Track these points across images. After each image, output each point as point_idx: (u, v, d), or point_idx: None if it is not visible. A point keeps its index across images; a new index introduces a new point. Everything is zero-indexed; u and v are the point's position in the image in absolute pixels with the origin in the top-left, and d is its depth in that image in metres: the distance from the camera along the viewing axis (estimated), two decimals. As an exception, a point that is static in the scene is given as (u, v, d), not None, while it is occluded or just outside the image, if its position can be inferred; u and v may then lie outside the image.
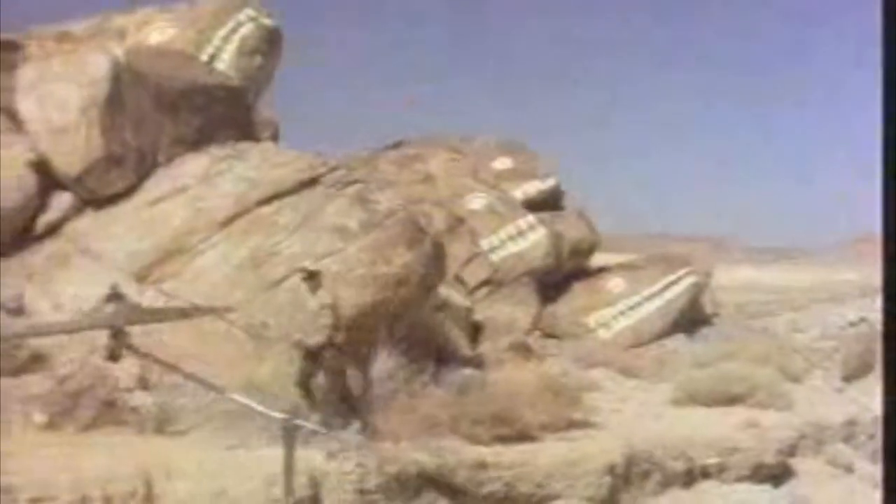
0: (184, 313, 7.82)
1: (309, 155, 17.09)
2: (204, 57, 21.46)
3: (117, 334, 5.29)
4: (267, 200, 15.76)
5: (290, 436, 5.38)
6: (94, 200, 16.59)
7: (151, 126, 17.29)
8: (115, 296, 6.45)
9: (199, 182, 16.14)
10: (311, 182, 16.11)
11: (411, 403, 13.43)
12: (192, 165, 16.56)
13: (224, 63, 21.73)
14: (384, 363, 14.08)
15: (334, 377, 13.56)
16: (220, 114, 18.13)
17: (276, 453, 12.73)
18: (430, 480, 12.35)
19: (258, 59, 22.57)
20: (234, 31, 22.42)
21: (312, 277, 13.52)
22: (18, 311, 15.40)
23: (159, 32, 22.28)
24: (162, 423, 13.28)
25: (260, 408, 5.01)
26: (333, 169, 16.55)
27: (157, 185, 16.45)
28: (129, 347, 14.96)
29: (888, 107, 4.30)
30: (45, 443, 12.41)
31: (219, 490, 11.30)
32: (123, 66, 17.29)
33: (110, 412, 13.36)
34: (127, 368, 14.36)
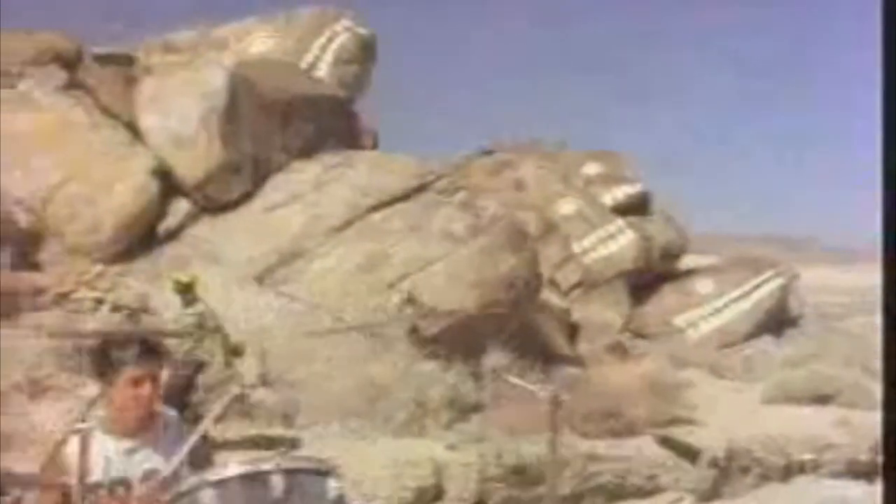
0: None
1: (417, 163, 17.83)
2: (303, 66, 22.31)
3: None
4: (378, 207, 16.51)
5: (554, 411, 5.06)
6: (212, 207, 17.45)
7: (263, 135, 18.10)
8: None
9: (313, 189, 16.92)
10: (420, 189, 16.84)
11: (525, 398, 14.05)
12: (305, 173, 17.35)
13: (322, 72, 22.56)
14: (497, 361, 14.75)
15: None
16: (327, 123, 18.90)
17: (398, 443, 13.46)
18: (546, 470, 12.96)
19: (354, 68, 23.35)
20: (330, 40, 23.22)
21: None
22: (143, 309, 16.27)
23: (260, 43, 23.18)
24: (287, 418, 14.05)
25: (532, 386, 5.13)
26: (441, 177, 17.28)
27: (272, 192, 17.27)
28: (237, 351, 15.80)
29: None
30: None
31: (350, 481, 12.02)
32: (237, 78, 18.12)
33: (240, 406, 14.17)
34: (248, 366, 15.23)
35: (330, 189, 16.83)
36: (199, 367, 13.79)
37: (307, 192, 16.88)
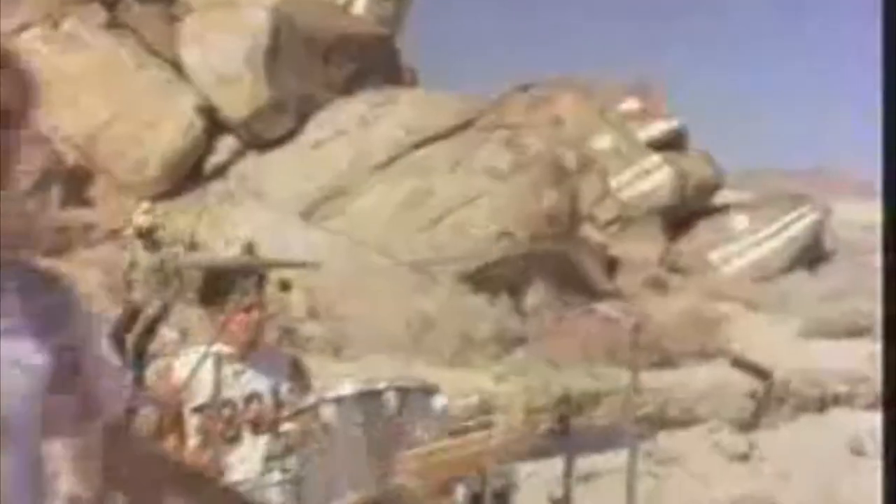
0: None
1: (459, 101, 18.03)
2: (340, 2, 22.44)
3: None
4: (421, 144, 16.74)
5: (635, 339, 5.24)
6: (258, 143, 17.72)
7: (306, 73, 18.31)
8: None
9: (357, 126, 17.15)
10: (463, 126, 17.05)
11: (568, 332, 14.39)
12: (349, 111, 17.58)
13: (359, 9, 22.68)
14: (541, 295, 15.06)
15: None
16: (368, 60, 19.08)
17: (445, 375, 13.79)
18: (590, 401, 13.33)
19: (390, 4, 23.45)
20: (364, -25, 23.32)
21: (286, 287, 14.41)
22: (192, 246, 16.62)
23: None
24: (337, 349, 14.41)
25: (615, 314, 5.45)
26: (483, 114, 17.49)
27: (316, 129, 17.51)
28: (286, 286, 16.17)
29: None
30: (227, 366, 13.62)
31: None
32: (279, 16, 18.30)
33: (290, 338, 14.54)
34: (297, 300, 15.57)
35: (374, 126, 17.05)
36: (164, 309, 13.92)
37: (351, 129, 17.11)
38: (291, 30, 18.33)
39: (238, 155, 17.77)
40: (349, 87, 18.66)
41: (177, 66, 18.47)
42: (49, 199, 16.69)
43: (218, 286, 5.04)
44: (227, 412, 4.96)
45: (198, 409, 4.92)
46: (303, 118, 17.86)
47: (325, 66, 18.69)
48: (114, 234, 16.50)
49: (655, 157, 25.73)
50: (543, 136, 21.23)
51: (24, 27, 19.11)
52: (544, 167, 16.75)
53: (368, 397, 4.14)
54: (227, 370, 4.90)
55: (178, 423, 4.97)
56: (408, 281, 15.48)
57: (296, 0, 20.47)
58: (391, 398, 4.11)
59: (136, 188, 17.32)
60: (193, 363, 4.80)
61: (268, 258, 7.40)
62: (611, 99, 27.35)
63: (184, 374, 4.86)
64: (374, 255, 15.64)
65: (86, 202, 17.25)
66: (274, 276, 15.32)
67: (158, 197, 17.39)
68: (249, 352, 5.06)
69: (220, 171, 17.68)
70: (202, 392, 4.87)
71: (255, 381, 5.05)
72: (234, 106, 17.63)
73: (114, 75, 18.33)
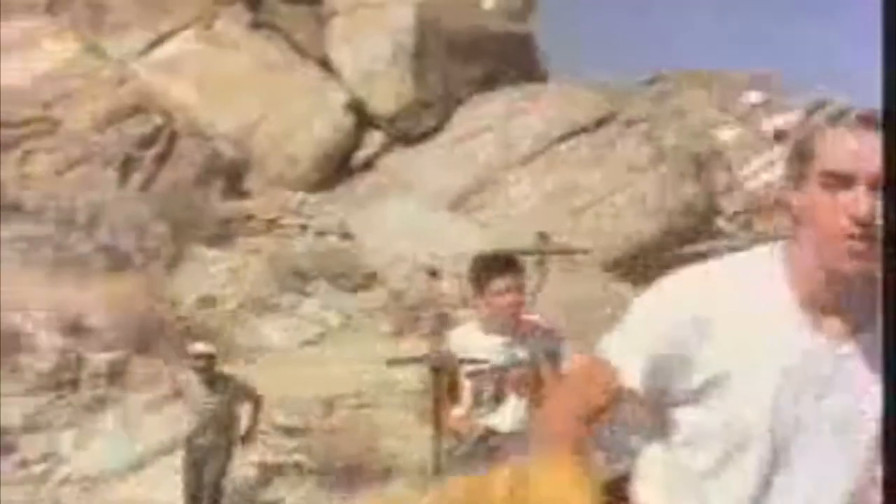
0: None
1: (599, 95, 18.71)
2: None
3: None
4: (565, 138, 17.44)
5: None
6: (404, 138, 18.57)
7: (448, 70, 19.10)
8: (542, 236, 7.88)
9: (501, 121, 17.91)
10: (604, 121, 17.72)
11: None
12: (493, 106, 18.34)
13: (489, 4, 23.41)
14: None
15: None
16: (509, 58, 19.81)
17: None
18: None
19: (519, 2, 24.15)
20: (496, -28, 24.03)
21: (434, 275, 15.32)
22: (344, 236, 17.50)
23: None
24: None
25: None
26: (622, 109, 18.15)
27: (460, 124, 18.30)
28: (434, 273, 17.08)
29: None
30: (393, 349, 14.49)
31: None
32: (423, 16, 19.12)
33: (445, 323, 15.32)
34: (448, 286, 16.39)
35: (518, 121, 17.79)
36: None
37: (496, 123, 17.86)
38: (434, 29, 19.12)
39: (385, 149, 18.63)
40: (489, 84, 19.39)
41: (325, 65, 19.37)
42: (211, 192, 17.68)
43: (481, 273, 5.92)
44: (495, 377, 5.80)
45: (471, 375, 5.75)
46: (447, 114, 18.65)
47: (466, 63, 19.44)
48: (271, 224, 17.49)
49: (779, 148, 26.08)
50: (673, 130, 21.82)
51: (178, 29, 20.17)
52: (681, 160, 17.35)
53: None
54: (493, 342, 5.75)
55: (454, 386, 5.83)
56: (554, 269, 16.16)
57: (437, 0, 21.32)
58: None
59: (289, 181, 18.28)
60: (468, 335, 5.72)
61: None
62: (734, 92, 27.80)
63: (460, 344, 5.77)
64: (520, 244, 16.35)
65: (243, 195, 18.20)
66: (425, 263, 16.17)
67: (311, 189, 18.37)
68: (512, 328, 5.88)
69: (369, 164, 18.55)
70: (475, 361, 5.74)
71: (520, 352, 5.86)
72: (382, 102, 18.50)
73: (265, 74, 19.28)
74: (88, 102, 18.01)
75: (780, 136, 26.88)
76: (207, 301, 14.93)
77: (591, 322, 15.07)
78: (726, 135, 25.99)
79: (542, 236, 7.64)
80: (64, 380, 13.18)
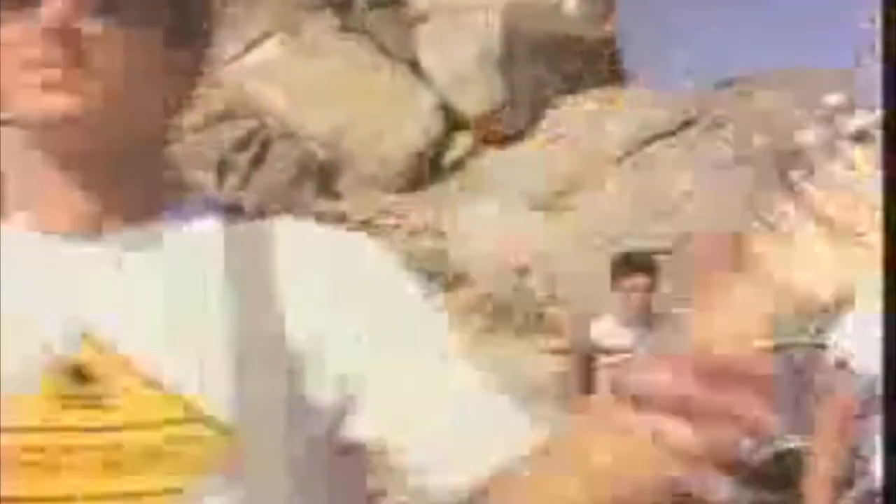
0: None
1: (682, 98, 19.01)
2: (551, 2, 23.54)
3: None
4: (650, 140, 17.76)
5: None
6: (493, 140, 18.98)
7: (533, 74, 19.48)
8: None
9: (588, 124, 18.26)
10: (688, 123, 18.02)
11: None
12: (578, 109, 18.70)
13: (569, 7, 23.74)
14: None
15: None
16: (592, 61, 20.15)
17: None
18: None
19: (600, 6, 24.46)
20: (576, -23, 24.36)
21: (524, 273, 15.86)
22: (436, 235, 17.96)
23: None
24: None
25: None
26: (706, 111, 18.43)
27: (548, 126, 18.69)
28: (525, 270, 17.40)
29: None
30: (487, 342, 14.95)
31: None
32: (508, 20, 19.51)
33: (538, 322, 15.76)
34: (537, 284, 16.81)
35: (603, 124, 18.13)
36: None
37: (582, 126, 18.22)
38: (519, 33, 19.51)
39: (474, 151, 19.05)
40: (573, 86, 19.75)
41: (413, 68, 19.83)
42: (304, 193, 18.20)
43: (624, 267, 6.48)
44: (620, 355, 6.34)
45: (607, 364, 6.27)
46: (533, 116, 19.04)
47: (550, 66, 19.81)
48: (365, 224, 17.98)
49: (860, 148, 26.20)
50: (757, 130, 22.03)
51: (266, 35, 20.71)
52: (767, 160, 17.59)
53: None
54: (623, 330, 6.32)
55: (591, 378, 6.35)
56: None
57: (521, 4, 21.69)
58: (793, 355, 5.27)
59: (380, 182, 18.76)
60: (607, 327, 6.29)
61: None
62: (815, 91, 27.91)
63: (599, 335, 6.33)
64: (607, 245, 16.70)
65: (336, 195, 18.71)
66: (514, 262, 16.55)
67: (402, 189, 18.84)
68: (640, 318, 6.41)
69: (458, 165, 18.98)
70: (608, 341, 6.30)
71: (647, 338, 6.38)
72: (472, 105, 18.93)
73: (353, 77, 19.76)
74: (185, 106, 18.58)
75: (860, 136, 26.96)
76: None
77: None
78: (808, 135, 26.08)
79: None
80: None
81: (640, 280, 6.74)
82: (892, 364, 1.64)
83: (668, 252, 16.76)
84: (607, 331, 6.74)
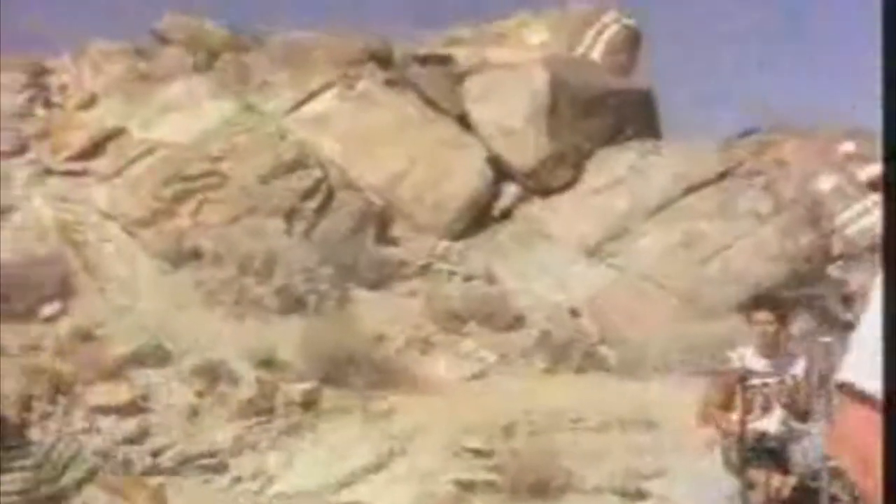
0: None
1: (719, 150, 20.35)
2: (576, 55, 24.87)
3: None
4: (690, 190, 19.04)
5: None
6: (540, 190, 20.25)
7: (576, 126, 20.77)
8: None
9: (631, 174, 19.54)
10: (725, 174, 19.33)
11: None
12: (621, 160, 19.98)
13: (595, 58, 25.07)
14: (805, 324, 17.13)
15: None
16: (630, 113, 21.45)
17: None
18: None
19: (623, 57, 25.78)
20: (600, 32, 25.68)
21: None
22: (490, 279, 19.18)
23: (536, 35, 25.84)
24: (632, 370, 16.75)
25: None
26: (741, 163, 19.77)
27: (593, 176, 19.96)
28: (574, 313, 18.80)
29: None
30: (549, 382, 16.17)
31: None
32: (555, 76, 20.82)
33: (591, 360, 16.98)
34: (588, 325, 18.03)
35: (646, 174, 19.42)
36: None
37: (626, 176, 19.50)
38: (564, 87, 20.81)
39: (522, 200, 20.29)
40: (612, 138, 21.02)
41: (462, 121, 21.11)
42: (365, 239, 19.41)
43: (756, 305, 7.84)
44: (764, 390, 7.64)
45: (746, 388, 7.59)
46: (578, 167, 20.31)
47: (590, 118, 21.09)
48: (423, 269, 19.22)
49: (874, 196, 27.46)
50: (771, 177, 23.32)
51: (325, 87, 21.99)
52: (800, 209, 18.91)
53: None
54: (762, 362, 7.62)
55: (732, 397, 7.66)
56: (684, 311, 17.75)
57: (563, 59, 23.03)
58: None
59: (434, 229, 19.99)
60: (745, 356, 7.58)
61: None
62: (831, 141, 29.18)
63: (739, 364, 7.64)
64: (653, 289, 17.97)
65: (393, 241, 19.91)
66: (566, 303, 17.88)
67: (454, 236, 20.08)
68: (775, 351, 7.73)
69: (507, 213, 20.22)
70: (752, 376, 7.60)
71: (781, 370, 7.68)
72: (520, 158, 20.21)
73: (406, 129, 21.05)
74: (252, 157, 19.84)
75: (873, 184, 28.25)
76: (378, 339, 16.64)
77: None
78: (825, 183, 27.38)
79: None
80: (262, 407, 14.92)
81: (769, 316, 8.09)
82: (893, 364, 2.11)
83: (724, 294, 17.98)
84: (746, 360, 8.04)
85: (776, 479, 7.79)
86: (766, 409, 7.98)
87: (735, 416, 7.93)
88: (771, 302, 8.54)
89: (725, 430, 8.05)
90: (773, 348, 8.13)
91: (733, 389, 7.99)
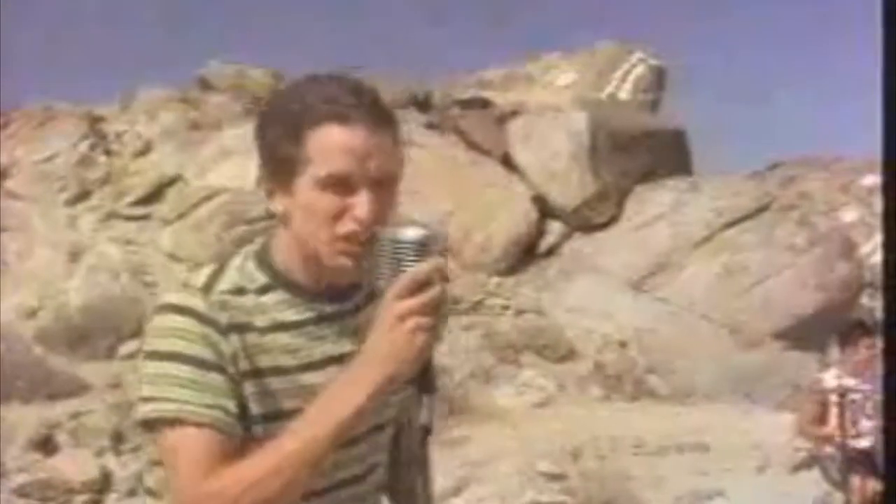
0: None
1: (755, 185, 21.34)
2: (603, 95, 25.87)
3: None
4: (731, 224, 19.96)
5: None
6: (584, 227, 21.17)
7: (615, 165, 21.70)
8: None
9: (671, 209, 20.45)
10: (763, 208, 20.25)
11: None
12: (659, 196, 20.89)
13: (623, 96, 26.06)
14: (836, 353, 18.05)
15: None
16: (665, 151, 22.39)
17: (775, 418, 16.69)
18: None
19: (650, 96, 26.80)
20: (628, 72, 26.70)
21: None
22: (540, 313, 20.07)
23: (564, 76, 26.88)
24: (683, 397, 17.63)
25: None
26: (777, 197, 20.74)
27: (635, 213, 20.87)
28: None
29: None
30: (606, 410, 17.03)
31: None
32: (595, 118, 21.78)
33: (643, 389, 17.86)
34: (637, 356, 18.90)
35: (687, 209, 20.33)
36: None
37: (667, 212, 20.41)
38: (603, 128, 21.75)
39: (567, 237, 21.21)
40: (648, 176, 21.94)
41: (506, 162, 22.06)
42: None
43: (848, 331, 8.78)
44: (853, 406, 8.55)
45: (837, 404, 8.49)
46: (619, 204, 21.24)
47: (627, 157, 22.02)
48: (476, 304, 20.11)
49: (896, 227, 28.46)
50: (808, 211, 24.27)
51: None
52: (835, 241, 19.89)
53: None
54: (853, 381, 8.52)
55: (826, 410, 8.58)
56: (728, 340, 18.64)
57: (595, 101, 24.04)
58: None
59: (482, 266, 20.89)
60: (836, 377, 8.47)
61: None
62: (852, 174, 30.27)
63: (831, 382, 8.55)
64: (697, 319, 18.87)
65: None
66: (615, 335, 18.84)
67: (502, 273, 20.98)
68: (863, 370, 8.64)
69: (552, 250, 21.13)
70: (836, 389, 8.51)
71: (868, 388, 8.60)
72: (564, 197, 21.12)
73: (451, 171, 21.96)
74: (308, 200, 20.70)
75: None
76: (442, 371, 17.52)
77: (772, 386, 17.54)
78: (848, 216, 28.41)
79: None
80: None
81: (867, 339, 9.04)
82: (893, 364, 2.54)
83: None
84: (837, 380, 8.97)
85: (871, 484, 8.67)
86: (855, 422, 8.96)
87: (831, 430, 8.91)
88: (868, 329, 9.46)
89: (825, 442, 9.03)
90: (861, 368, 9.09)
91: (827, 407, 8.95)
